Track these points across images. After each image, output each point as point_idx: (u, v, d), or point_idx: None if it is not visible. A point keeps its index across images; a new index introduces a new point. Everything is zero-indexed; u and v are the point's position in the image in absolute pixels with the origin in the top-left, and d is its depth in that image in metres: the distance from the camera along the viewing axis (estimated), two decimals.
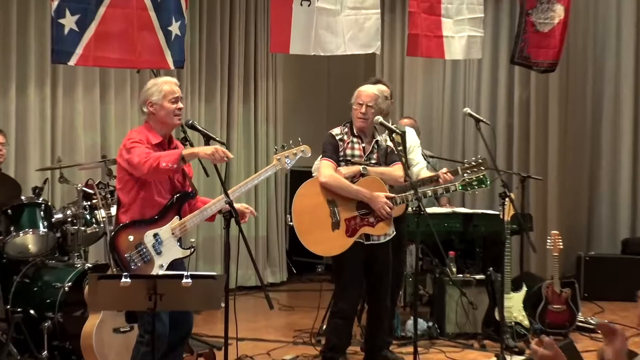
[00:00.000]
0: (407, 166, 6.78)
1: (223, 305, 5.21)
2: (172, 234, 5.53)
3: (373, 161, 6.54)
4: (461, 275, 8.02)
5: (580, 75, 10.32)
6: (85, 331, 6.58)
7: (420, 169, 7.27)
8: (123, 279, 4.66)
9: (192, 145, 5.78)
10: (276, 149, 5.90)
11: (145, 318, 5.35)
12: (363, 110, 6.41)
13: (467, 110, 7.18)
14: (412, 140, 7.51)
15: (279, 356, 7.27)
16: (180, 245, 5.60)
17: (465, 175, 6.55)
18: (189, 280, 4.70)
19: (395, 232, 6.53)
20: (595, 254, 9.80)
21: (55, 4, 5.73)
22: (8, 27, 8.49)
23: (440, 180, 6.58)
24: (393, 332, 7.42)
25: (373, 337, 6.68)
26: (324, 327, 7.20)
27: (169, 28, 6.33)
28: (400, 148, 6.80)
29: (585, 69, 10.33)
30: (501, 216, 7.18)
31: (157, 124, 5.58)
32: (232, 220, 5.39)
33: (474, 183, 6.56)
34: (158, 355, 5.43)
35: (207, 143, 5.47)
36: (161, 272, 5.41)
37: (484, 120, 7.15)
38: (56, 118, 8.87)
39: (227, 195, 5.35)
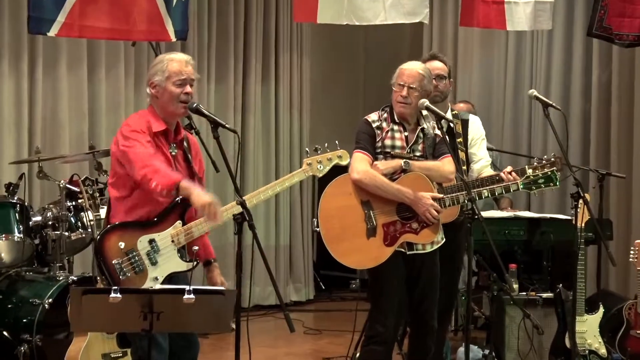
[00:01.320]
0: (461, 160, 6.77)
1: (234, 326, 5.23)
2: (172, 241, 5.52)
3: (418, 153, 6.49)
4: (525, 294, 7.98)
5: None
6: (69, 357, 6.65)
7: (483, 166, 7.23)
8: (112, 294, 4.67)
9: (198, 133, 5.80)
10: (307, 152, 5.96)
11: (138, 342, 5.40)
12: (404, 93, 6.35)
13: (534, 92, 7.11)
14: (476, 131, 7.41)
15: None
16: (182, 257, 5.59)
17: (530, 171, 6.56)
18: (192, 295, 4.70)
19: (444, 240, 6.48)
20: None
21: None
22: None
23: (504, 181, 6.59)
24: None
25: None
26: (358, 355, 7.17)
27: None
28: (459, 140, 6.81)
29: None
30: (574, 222, 7.18)
31: (161, 110, 5.61)
32: (246, 225, 5.31)
33: (541, 181, 6.53)
34: None
35: (214, 130, 5.48)
36: (156, 287, 5.34)
37: (554, 105, 7.12)
38: (35, 101, 8.94)
39: (238, 193, 5.36)
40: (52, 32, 6.00)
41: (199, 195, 5.29)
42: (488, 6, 8.34)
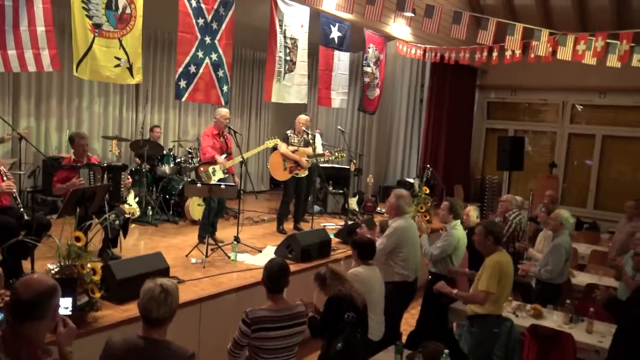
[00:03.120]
0: (314, 148, 6.83)
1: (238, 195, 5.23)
2: (220, 168, 5.50)
3: (302, 145, 6.49)
4: (334, 190, 8.09)
5: (385, 116, 10.27)
6: (187, 205, 6.68)
7: (319, 152, 7.21)
8: (198, 185, 4.73)
9: (235, 133, 5.63)
10: (267, 138, 6.05)
11: (208, 200, 5.34)
12: (301, 124, 6.45)
13: (339, 127, 7.33)
14: (318, 140, 7.56)
15: (261, 218, 7.31)
16: (224, 172, 5.52)
17: (336, 153, 6.68)
18: (224, 186, 4.76)
19: (307, 173, 6.52)
20: (387, 185, 9.87)
21: (177, 74, 5.58)
22: (163, 73, 8.19)
23: (326, 156, 6.67)
24: (306, 211, 7.45)
25: (297, 212, 6.74)
26: (279, 208, 7.22)
27: (223, 88, 6.22)
28: (312, 141, 6.88)
29: (387, 114, 10.31)
30: (350, 169, 7.33)
31: (217, 127, 5.52)
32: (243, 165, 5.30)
33: (339, 157, 6.67)
34: (212, 215, 5.44)
35: (234, 134, 5.44)
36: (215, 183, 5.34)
37: (344, 130, 7.31)
38: (181, 122, 8.67)
39: (241, 154, 5.32)
40: (183, 99, 5.85)
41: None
42: (327, 99, 8.06)
